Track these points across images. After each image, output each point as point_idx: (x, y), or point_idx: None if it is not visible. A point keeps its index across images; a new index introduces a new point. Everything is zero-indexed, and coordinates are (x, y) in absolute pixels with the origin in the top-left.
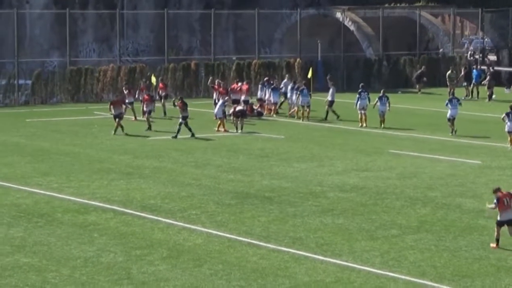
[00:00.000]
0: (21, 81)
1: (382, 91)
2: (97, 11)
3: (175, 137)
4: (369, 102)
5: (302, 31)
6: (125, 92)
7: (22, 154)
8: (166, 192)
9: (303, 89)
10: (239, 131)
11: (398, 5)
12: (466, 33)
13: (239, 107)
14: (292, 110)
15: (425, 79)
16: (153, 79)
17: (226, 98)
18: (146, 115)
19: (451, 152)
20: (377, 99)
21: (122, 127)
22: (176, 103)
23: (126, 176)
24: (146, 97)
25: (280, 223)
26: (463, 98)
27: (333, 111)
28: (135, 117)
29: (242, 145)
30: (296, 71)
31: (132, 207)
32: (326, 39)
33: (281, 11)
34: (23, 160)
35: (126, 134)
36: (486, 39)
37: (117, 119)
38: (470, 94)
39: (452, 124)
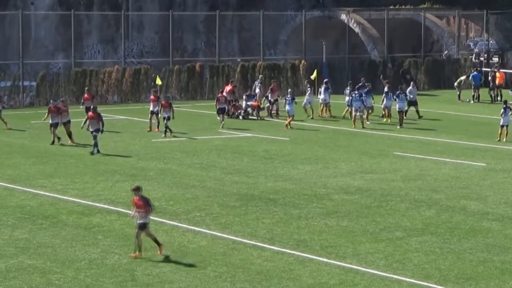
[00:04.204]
0: (26, 83)
1: (387, 86)
2: (102, 13)
3: (98, 151)
4: (364, 104)
5: (307, 33)
6: None
7: (26, 155)
8: (171, 194)
9: (369, 91)
10: (221, 126)
11: (403, 7)
12: (471, 35)
13: (220, 106)
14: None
15: (408, 76)
16: (158, 80)
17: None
18: (52, 128)
19: (456, 155)
20: (383, 94)
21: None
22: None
23: (130, 178)
24: (52, 108)
25: (284, 225)
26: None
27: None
28: (6, 126)
29: (246, 147)
30: (301, 73)
31: None
32: (331, 41)
33: (286, 13)
34: (28, 162)
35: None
36: (491, 41)
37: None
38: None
39: (402, 116)
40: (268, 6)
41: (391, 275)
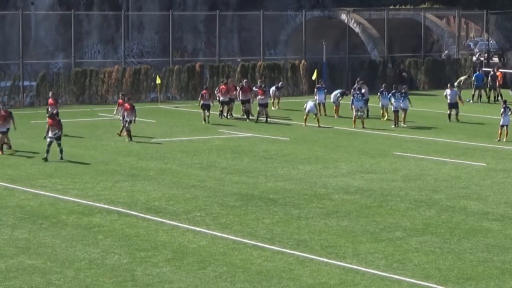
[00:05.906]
0: (26, 83)
1: (383, 86)
2: (102, 13)
3: (45, 159)
4: (366, 104)
5: (307, 33)
6: None
7: (26, 155)
8: (171, 194)
9: (395, 92)
10: (205, 121)
11: (403, 7)
12: (471, 35)
13: (205, 102)
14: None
15: (404, 74)
16: (158, 80)
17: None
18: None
19: (456, 155)
20: (378, 93)
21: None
22: None
23: (130, 178)
24: (2, 113)
25: (284, 225)
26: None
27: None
28: None
29: (246, 147)
30: (301, 73)
31: (136, 209)
32: (331, 41)
33: (286, 13)
34: (28, 162)
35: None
36: (491, 41)
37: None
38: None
39: (396, 116)
40: (268, 6)
41: (391, 275)
